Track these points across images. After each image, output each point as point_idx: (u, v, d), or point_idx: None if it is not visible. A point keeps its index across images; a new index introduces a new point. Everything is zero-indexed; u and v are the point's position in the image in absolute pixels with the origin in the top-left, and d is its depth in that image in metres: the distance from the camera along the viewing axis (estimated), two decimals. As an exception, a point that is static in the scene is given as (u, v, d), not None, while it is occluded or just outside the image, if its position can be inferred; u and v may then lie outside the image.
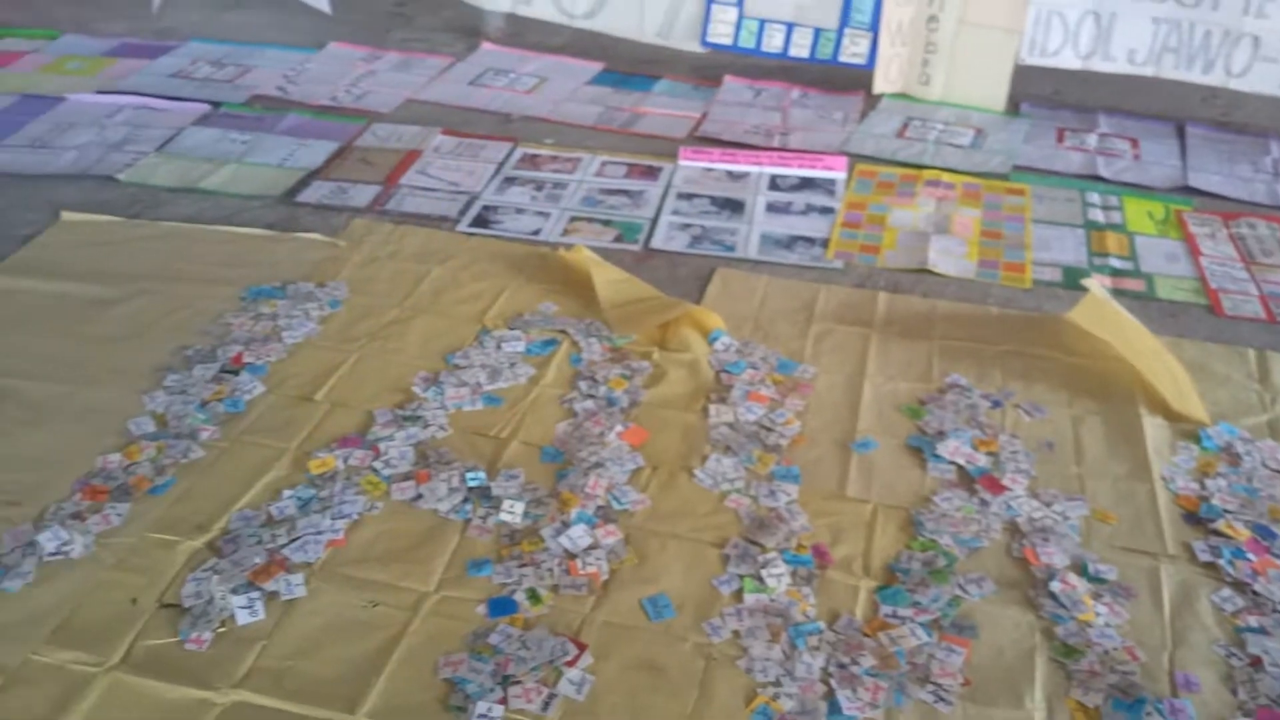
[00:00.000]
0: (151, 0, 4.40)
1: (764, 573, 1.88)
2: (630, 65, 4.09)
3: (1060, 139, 3.62)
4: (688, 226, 3.03)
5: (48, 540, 1.90)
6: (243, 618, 1.77)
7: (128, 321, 2.55)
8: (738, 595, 1.85)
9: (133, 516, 1.97)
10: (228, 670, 1.68)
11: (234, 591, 1.80)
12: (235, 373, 2.35)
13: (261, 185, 3.19)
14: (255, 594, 1.80)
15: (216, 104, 3.71)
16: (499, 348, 2.47)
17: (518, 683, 1.67)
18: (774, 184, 3.26)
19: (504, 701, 1.64)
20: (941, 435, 2.22)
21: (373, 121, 3.62)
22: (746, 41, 3.96)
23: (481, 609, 1.81)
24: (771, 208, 3.13)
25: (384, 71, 4.02)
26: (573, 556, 1.91)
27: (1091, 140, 3.61)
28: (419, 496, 2.04)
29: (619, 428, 2.22)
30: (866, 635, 1.77)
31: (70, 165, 3.29)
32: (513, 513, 2.00)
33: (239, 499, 2.02)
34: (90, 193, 3.15)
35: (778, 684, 1.69)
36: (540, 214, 3.09)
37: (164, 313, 2.58)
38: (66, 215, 3.00)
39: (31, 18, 4.55)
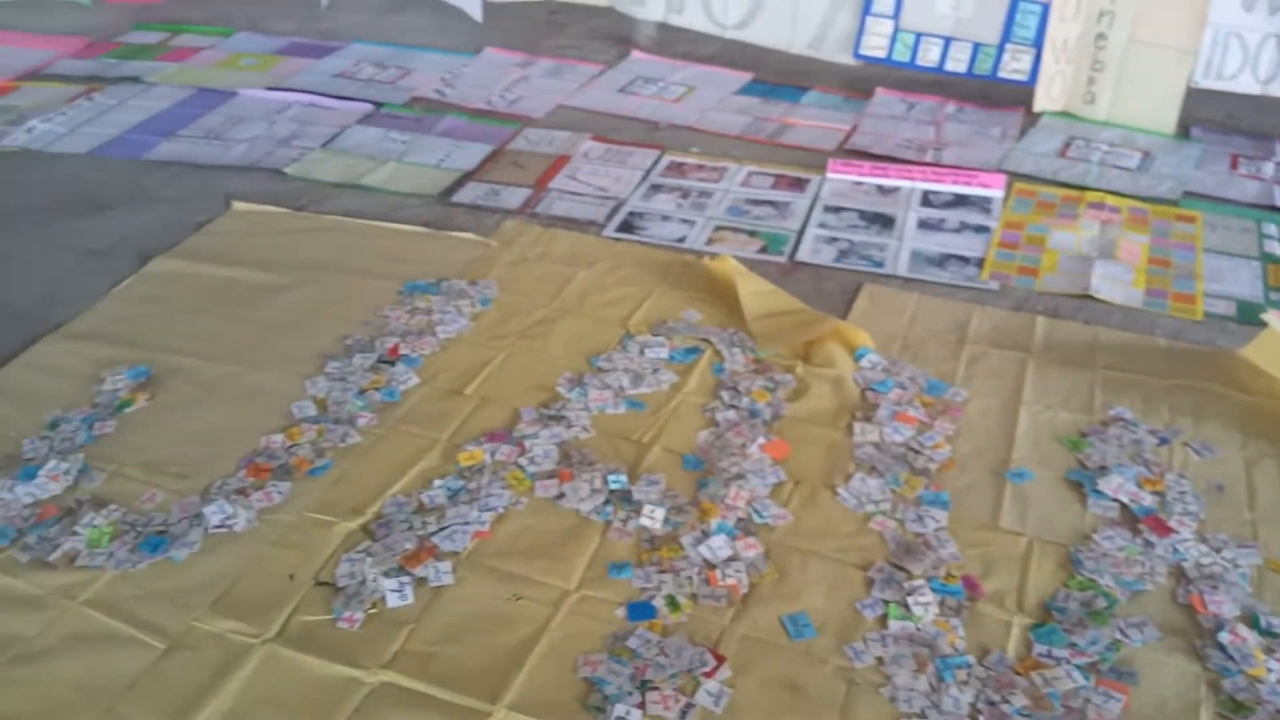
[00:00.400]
0: None
1: (910, 600, 1.83)
2: (779, 76, 4.06)
3: (1234, 166, 3.42)
4: (835, 240, 2.98)
5: (213, 513, 2.00)
6: (393, 600, 1.82)
7: (293, 309, 2.67)
8: (882, 621, 1.81)
9: (293, 495, 2.06)
10: (377, 651, 1.74)
11: (385, 574, 1.86)
12: (391, 363, 2.44)
13: (419, 184, 3.30)
14: (405, 578, 1.85)
15: (378, 104, 3.86)
16: (642, 353, 2.49)
17: (655, 689, 1.67)
18: (926, 200, 3.19)
19: (642, 706, 1.64)
20: (1104, 470, 2.12)
21: (525, 126, 3.70)
22: (901, 55, 3.88)
23: (621, 611, 1.82)
24: (923, 224, 3.06)
25: (537, 77, 4.11)
26: (712, 567, 1.90)
27: (1269, 169, 3.40)
28: (561, 495, 2.07)
29: (761, 440, 2.20)
30: (1018, 674, 1.70)
31: (241, 157, 3.48)
32: (653, 518, 2.00)
33: (392, 485, 2.08)
34: (259, 184, 3.31)
35: (923, 716, 1.63)
36: (685, 222, 3.09)
37: (326, 302, 2.69)
38: (237, 205, 3.17)
39: (209, 15, 4.83)
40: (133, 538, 1.95)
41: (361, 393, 2.34)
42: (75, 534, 1.95)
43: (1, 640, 1.76)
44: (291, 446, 2.18)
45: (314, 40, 4.50)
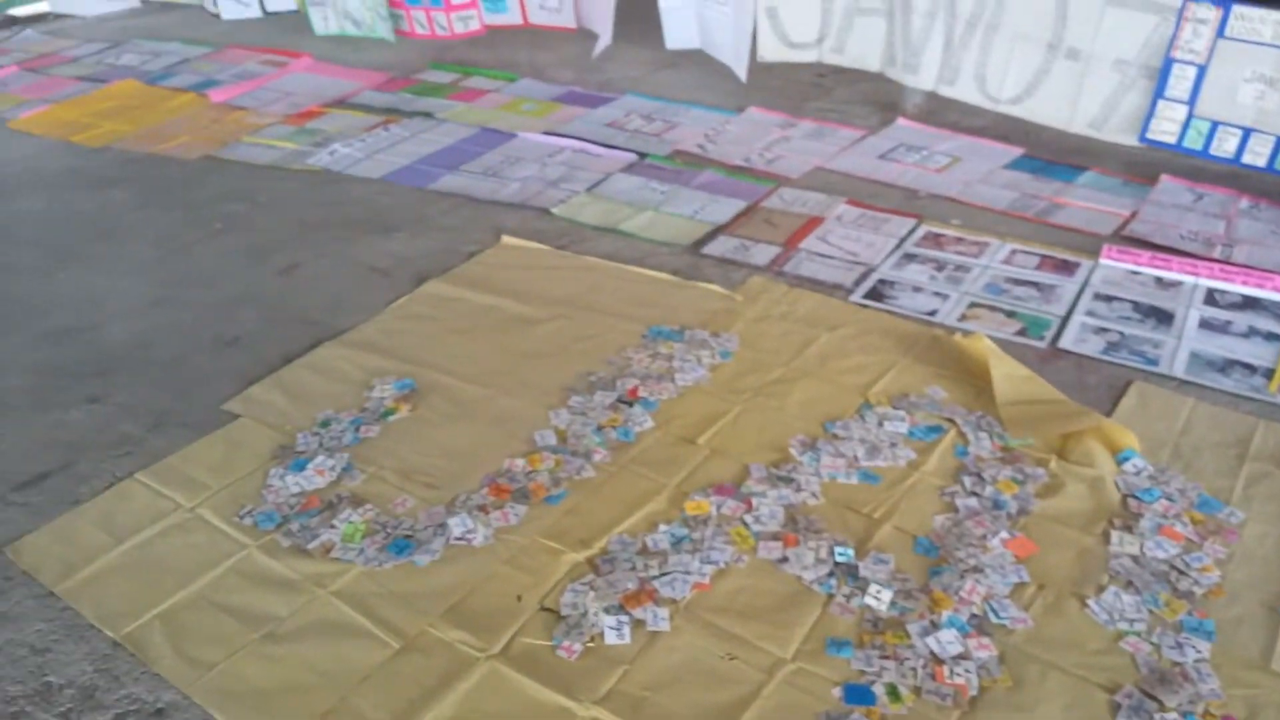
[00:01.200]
0: (596, 45, 4.83)
1: (1162, 735, 1.65)
2: (1054, 153, 3.88)
3: None
4: (1104, 330, 2.79)
5: (456, 525, 2.10)
6: (611, 638, 1.84)
7: (545, 341, 2.79)
8: (1126, 752, 1.64)
9: (528, 519, 2.14)
10: (591, 685, 1.76)
11: (606, 611, 1.88)
12: (630, 404, 2.49)
13: (673, 233, 3.39)
14: (625, 618, 1.87)
15: (642, 154, 4.01)
16: (880, 424, 2.41)
17: (867, 780, 1.59)
18: (1211, 298, 2.92)
19: (851, 795, 1.57)
20: None
21: (781, 185, 3.72)
22: (1193, 142, 3.61)
23: (837, 692, 1.75)
24: (1206, 324, 2.80)
25: (797, 138, 4.14)
26: (940, 662, 1.80)
27: None
28: (785, 559, 2.03)
29: (1004, 534, 2.07)
30: (1288, 844, 1.50)
31: (514, 195, 3.70)
32: (879, 599, 1.92)
33: (620, 523, 2.12)
34: (528, 221, 3.51)
35: None
36: (938, 295, 2.99)
37: (575, 338, 2.80)
38: (506, 239, 3.37)
39: (497, 59, 5.21)
40: (382, 538, 2.09)
41: (599, 429, 2.41)
42: (333, 527, 2.12)
43: (257, 617, 1.93)
44: (531, 472, 2.27)
45: (590, 91, 4.75)
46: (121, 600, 1.97)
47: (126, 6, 6.15)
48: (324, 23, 5.26)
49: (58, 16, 6.52)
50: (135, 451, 2.38)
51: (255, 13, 5.26)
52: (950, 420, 2.43)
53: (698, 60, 4.72)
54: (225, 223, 3.55)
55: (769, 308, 2.93)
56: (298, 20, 5.26)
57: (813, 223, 3.43)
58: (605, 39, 4.61)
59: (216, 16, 5.42)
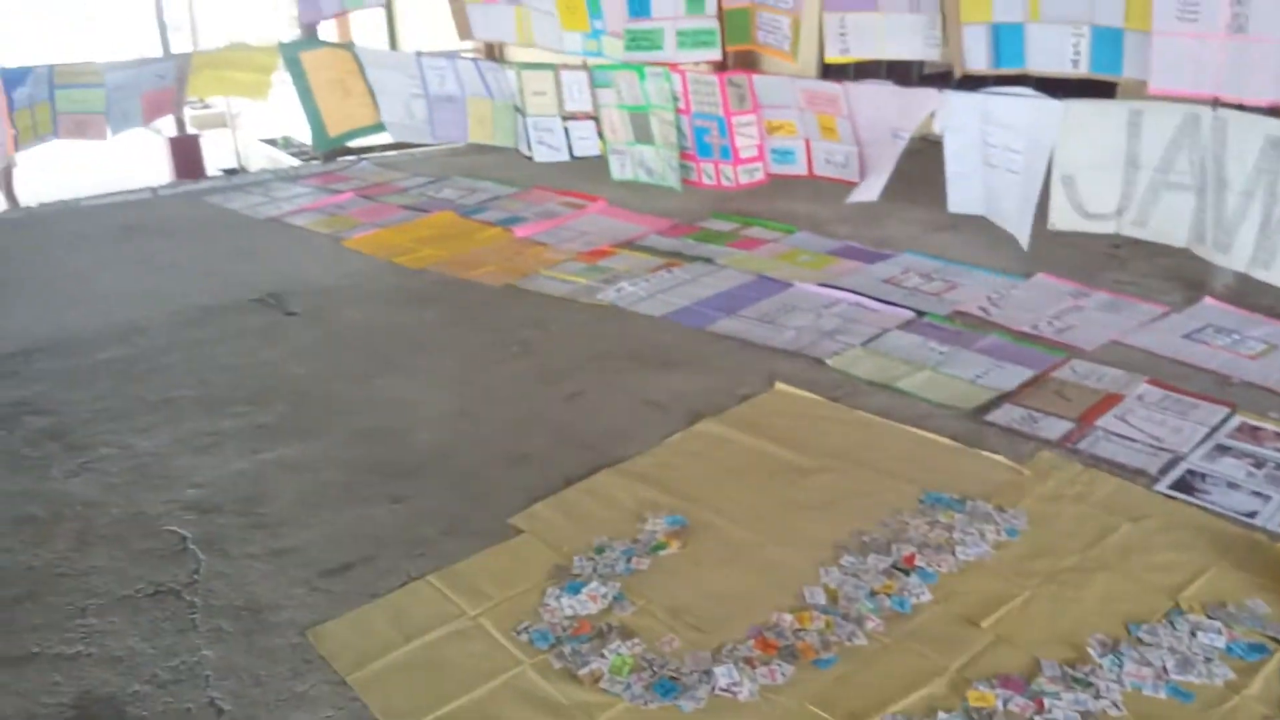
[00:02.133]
0: (858, 192, 4.85)
1: None
2: (1398, 349, 3.47)
3: None
4: None
5: (723, 675, 2.07)
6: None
7: (816, 492, 2.76)
8: None
9: (795, 680, 2.07)
10: None
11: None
12: (906, 572, 2.39)
13: (952, 396, 3.29)
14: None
15: (921, 312, 3.96)
16: (1193, 635, 2.17)
17: None
18: None
19: None
20: None
21: (1073, 356, 3.55)
22: None
23: None
24: None
25: (1091, 309, 3.95)
26: None
27: None
28: (1080, 772, 1.84)
29: (1353, 788, 1.78)
30: None
31: (788, 342, 3.75)
32: (1196, 839, 1.69)
33: (894, 702, 2.01)
34: (801, 369, 3.53)
35: None
36: (1258, 495, 2.70)
37: (847, 494, 2.74)
38: (780, 385, 3.40)
39: (776, 211, 5.39)
40: (649, 675, 2.09)
41: (873, 594, 2.32)
42: (603, 656, 2.14)
43: (524, 738, 1.96)
44: (799, 630, 2.21)
45: (867, 246, 4.80)
46: (405, 698, 2.07)
47: (450, 145, 6.92)
48: (621, 169, 5.66)
49: (388, 147, 7.45)
50: (429, 553, 2.54)
51: (564, 156, 5.76)
52: (1276, 641, 2.15)
53: (978, 223, 4.65)
54: (521, 347, 3.82)
55: (1061, 487, 2.76)
56: (599, 165, 5.70)
57: (1110, 400, 3.23)
58: (872, 194, 4.67)
59: (529, 159, 5.96)
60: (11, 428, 3.28)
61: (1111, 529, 2.56)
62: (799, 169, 5.22)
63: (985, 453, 2.94)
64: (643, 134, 5.49)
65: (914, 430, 3.08)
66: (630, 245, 5.00)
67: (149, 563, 2.55)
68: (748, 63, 6.09)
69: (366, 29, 11.58)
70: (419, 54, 6.21)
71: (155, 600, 2.41)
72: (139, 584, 2.46)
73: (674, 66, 5.26)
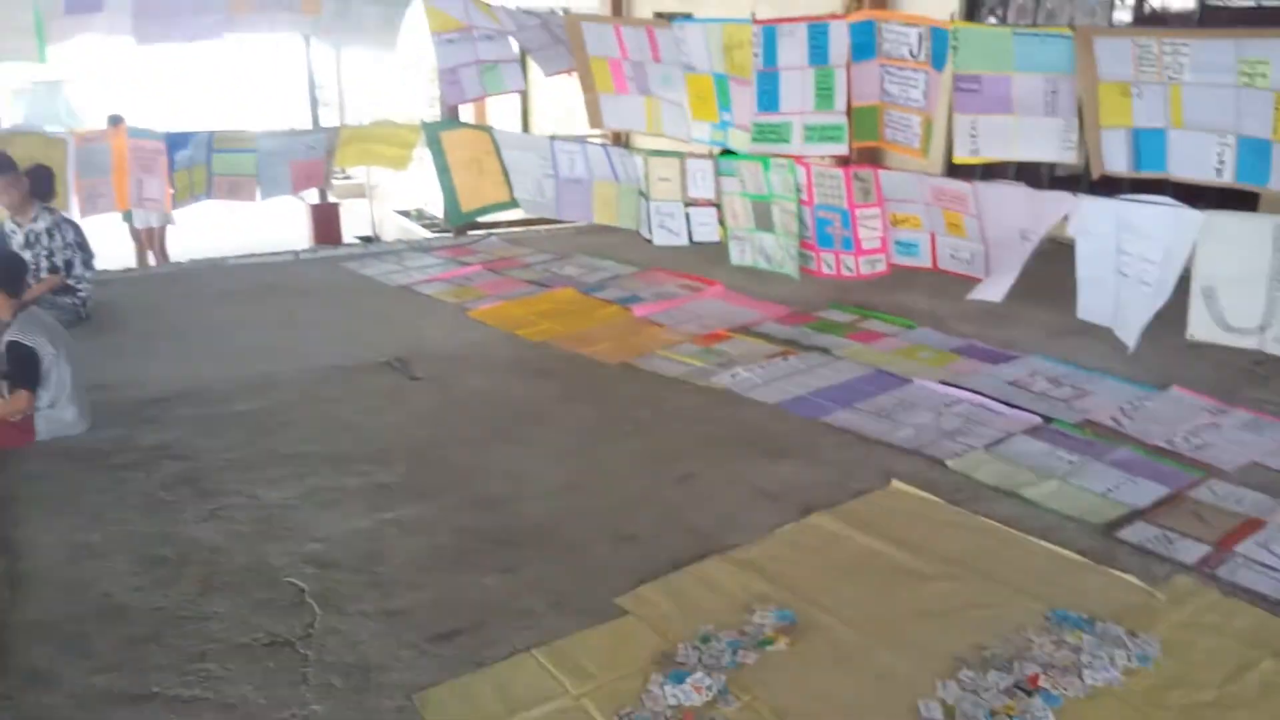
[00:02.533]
0: (981, 289, 4.72)
1: None
2: None
3: None
4: None
5: (830, 782, 1.99)
6: None
7: (933, 600, 2.66)
8: None
9: (908, 797, 1.98)
10: None
11: None
12: (1029, 693, 2.27)
13: (1081, 509, 3.15)
14: None
15: (1048, 419, 3.83)
16: (1349, 791, 1.99)
17: None
18: None
19: None
20: None
21: (1211, 476, 3.37)
22: None
23: None
24: None
25: (1230, 427, 3.76)
26: None
27: None
28: None
29: None
30: None
31: (906, 440, 3.67)
32: None
33: (1014, 831, 1.90)
34: (919, 469, 3.45)
35: None
36: None
37: (967, 604, 2.64)
38: (896, 484, 3.32)
39: (896, 305, 5.33)
40: (753, 776, 2.03)
41: (992, 714, 2.21)
42: (706, 750, 2.09)
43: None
44: (913, 744, 2.12)
45: (991, 347, 4.69)
46: (505, 773, 2.06)
47: (575, 225, 7.12)
48: (740, 255, 5.70)
49: (516, 224, 7.70)
50: (535, 626, 2.54)
51: (683, 241, 5.85)
52: None
53: (1107, 330, 4.50)
54: (634, 425, 3.85)
55: (1198, 615, 2.59)
56: (718, 250, 5.77)
57: (1251, 525, 3.04)
58: (997, 295, 4.56)
59: (649, 241, 6.09)
60: (150, 470, 3.45)
61: (1252, 664, 2.39)
62: (923, 262, 5.15)
63: (1116, 571, 2.79)
64: (764, 222, 5.54)
65: (1041, 543, 2.96)
66: (746, 330, 5.02)
67: (268, 613, 2.62)
68: (872, 158, 6.12)
69: (502, 113, 12.12)
70: (552, 138, 6.45)
71: (270, 650, 2.47)
72: (257, 633, 2.53)
73: (799, 159, 5.32)
